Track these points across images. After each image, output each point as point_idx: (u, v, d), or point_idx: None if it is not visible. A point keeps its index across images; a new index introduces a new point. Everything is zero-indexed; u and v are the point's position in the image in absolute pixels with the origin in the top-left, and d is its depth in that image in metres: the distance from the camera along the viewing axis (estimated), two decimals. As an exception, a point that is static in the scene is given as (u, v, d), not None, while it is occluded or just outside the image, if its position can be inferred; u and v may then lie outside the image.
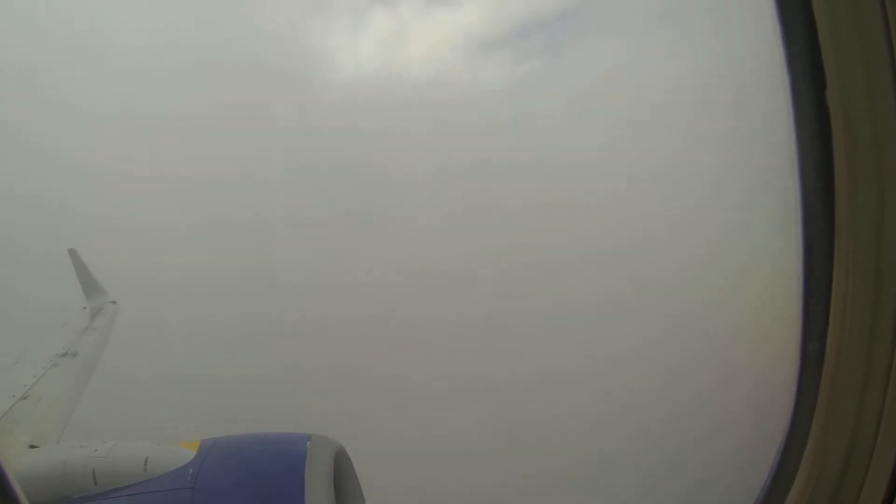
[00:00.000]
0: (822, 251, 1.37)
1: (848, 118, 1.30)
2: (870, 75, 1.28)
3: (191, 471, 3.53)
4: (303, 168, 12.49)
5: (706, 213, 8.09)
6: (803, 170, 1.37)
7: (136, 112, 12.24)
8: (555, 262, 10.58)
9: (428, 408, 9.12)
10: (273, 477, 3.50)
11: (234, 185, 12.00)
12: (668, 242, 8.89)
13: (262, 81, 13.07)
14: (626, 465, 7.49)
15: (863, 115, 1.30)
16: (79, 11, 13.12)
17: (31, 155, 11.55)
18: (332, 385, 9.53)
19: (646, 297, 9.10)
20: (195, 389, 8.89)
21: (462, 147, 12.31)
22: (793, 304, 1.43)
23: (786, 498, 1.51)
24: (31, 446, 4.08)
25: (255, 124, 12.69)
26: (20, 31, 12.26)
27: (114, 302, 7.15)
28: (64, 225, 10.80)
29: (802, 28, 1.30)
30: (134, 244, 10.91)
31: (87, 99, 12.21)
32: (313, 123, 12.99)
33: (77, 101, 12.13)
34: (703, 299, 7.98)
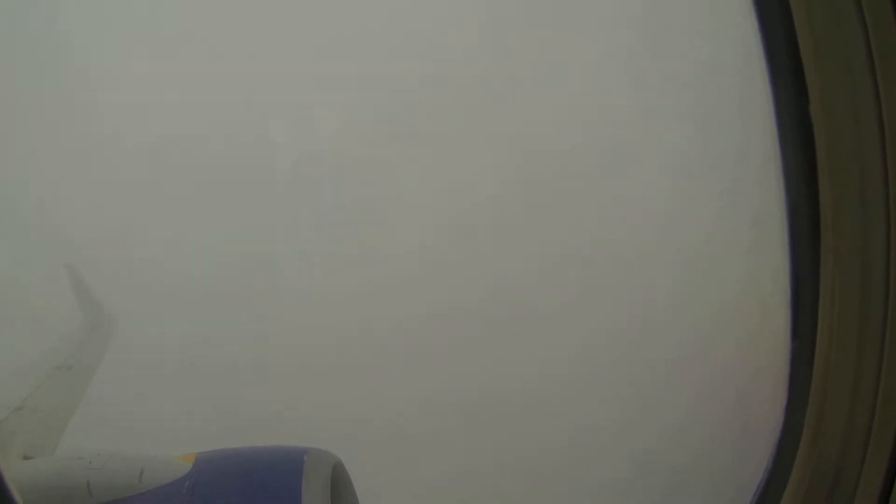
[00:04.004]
0: (808, 256, 1.44)
1: (830, 129, 1.38)
2: (852, 88, 1.36)
3: (187, 483, 3.51)
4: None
5: (692, 225, 8.08)
6: (788, 178, 1.45)
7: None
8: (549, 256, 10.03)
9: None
10: (270, 491, 3.49)
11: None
12: (653, 246, 8.81)
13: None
14: (615, 469, 7.38)
15: (845, 127, 1.38)
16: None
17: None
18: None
19: (631, 296, 8.97)
20: (192, 401, 8.77)
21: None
22: (781, 307, 1.49)
23: (781, 497, 1.54)
24: (26, 457, 4.06)
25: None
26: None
27: (110, 317, 7.13)
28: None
29: (784, 43, 1.38)
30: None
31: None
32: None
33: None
34: (691, 299, 7.93)
